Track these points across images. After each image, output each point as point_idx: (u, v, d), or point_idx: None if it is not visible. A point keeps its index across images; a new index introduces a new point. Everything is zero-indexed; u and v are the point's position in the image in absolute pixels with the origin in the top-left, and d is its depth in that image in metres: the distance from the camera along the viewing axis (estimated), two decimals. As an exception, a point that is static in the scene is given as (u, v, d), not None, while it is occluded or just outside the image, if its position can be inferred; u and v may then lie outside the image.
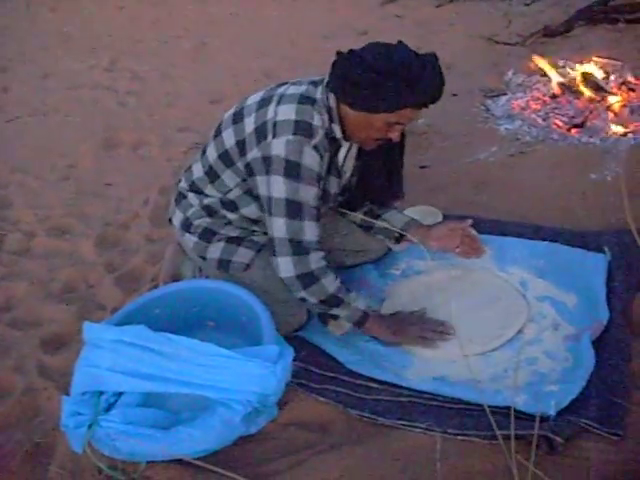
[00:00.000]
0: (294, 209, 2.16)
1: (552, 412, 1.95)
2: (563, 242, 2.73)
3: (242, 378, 1.93)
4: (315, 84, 2.25)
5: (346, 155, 2.36)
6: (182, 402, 2.12)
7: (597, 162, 3.41)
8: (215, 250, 2.43)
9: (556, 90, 4.14)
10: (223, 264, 2.43)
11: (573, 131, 3.78)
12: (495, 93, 4.40)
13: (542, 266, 2.62)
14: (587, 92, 4.02)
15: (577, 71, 4.22)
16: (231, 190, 2.35)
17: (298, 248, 2.19)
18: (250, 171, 2.24)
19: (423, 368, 2.27)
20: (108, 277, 2.98)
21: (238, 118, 2.29)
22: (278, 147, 2.13)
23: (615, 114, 3.84)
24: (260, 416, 2.04)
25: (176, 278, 2.63)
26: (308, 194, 2.17)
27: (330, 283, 2.24)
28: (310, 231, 2.20)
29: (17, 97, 5.42)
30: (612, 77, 4.14)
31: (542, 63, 4.35)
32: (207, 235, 2.44)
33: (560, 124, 3.87)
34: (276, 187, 2.15)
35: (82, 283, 2.99)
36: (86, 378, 1.98)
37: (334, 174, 2.34)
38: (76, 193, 3.79)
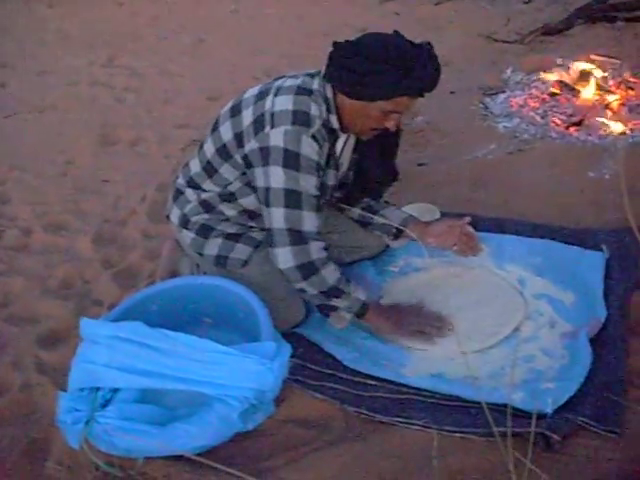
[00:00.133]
0: (293, 199, 2.16)
1: (549, 410, 1.94)
2: (561, 240, 2.73)
3: (239, 374, 1.92)
4: (312, 76, 2.26)
5: (343, 147, 2.36)
6: (179, 398, 2.12)
7: (595, 160, 3.41)
8: (213, 246, 2.43)
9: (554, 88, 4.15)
10: (221, 260, 2.43)
11: (571, 129, 3.78)
12: (494, 91, 4.40)
13: (540, 264, 2.62)
14: (585, 90, 4.02)
15: (576, 69, 4.22)
16: (231, 183, 2.35)
17: (297, 238, 2.19)
18: (248, 163, 2.24)
19: (421, 365, 2.27)
20: (105, 273, 2.98)
21: (236, 112, 2.29)
22: (276, 137, 2.13)
23: (613, 112, 3.84)
24: (257, 413, 2.03)
25: (173, 274, 2.63)
26: (308, 183, 2.17)
27: (330, 274, 2.24)
28: (309, 221, 2.20)
29: (15, 93, 5.41)
30: (611, 75, 4.14)
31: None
32: (204, 231, 2.44)
33: (558, 122, 3.87)
34: (275, 177, 2.15)
35: (79, 279, 2.99)
36: (83, 374, 1.97)
37: (332, 166, 2.34)
38: (74, 189, 3.79)
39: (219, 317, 2.36)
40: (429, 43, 2.16)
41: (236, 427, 1.97)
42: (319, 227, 2.25)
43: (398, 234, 2.67)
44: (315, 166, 2.18)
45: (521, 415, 1.91)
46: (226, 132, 2.30)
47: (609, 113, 3.83)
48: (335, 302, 2.28)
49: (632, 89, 4.02)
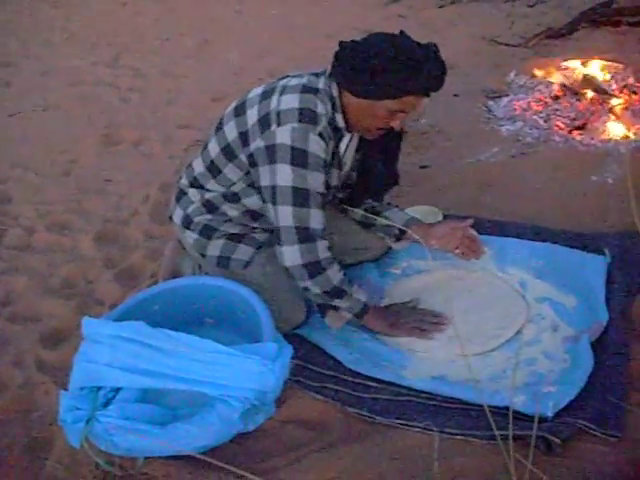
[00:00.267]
0: (301, 196, 2.16)
1: (550, 413, 1.95)
2: (563, 243, 2.73)
3: (240, 375, 1.92)
4: (317, 75, 2.27)
5: (347, 146, 2.36)
6: (180, 398, 2.12)
7: (598, 164, 3.41)
8: (215, 247, 2.44)
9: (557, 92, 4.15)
10: (223, 261, 2.43)
11: (574, 133, 3.78)
12: (497, 94, 4.40)
13: (542, 267, 2.62)
14: (589, 94, 4.02)
15: (579, 73, 4.22)
16: (234, 184, 2.35)
17: (305, 236, 2.19)
18: (253, 162, 2.24)
19: (422, 367, 2.27)
20: (107, 273, 2.98)
21: (240, 111, 2.29)
22: (283, 135, 2.13)
23: (617, 116, 3.84)
24: (258, 413, 2.04)
25: (175, 275, 2.63)
26: (315, 181, 2.18)
27: (335, 274, 2.25)
28: (316, 219, 2.21)
29: (19, 93, 5.41)
30: (614, 79, 4.14)
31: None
32: (207, 232, 2.44)
33: (561, 126, 3.87)
34: (282, 175, 2.15)
35: (81, 279, 2.99)
36: (84, 373, 1.97)
37: (335, 165, 2.35)
38: (77, 189, 3.79)
39: (221, 318, 2.36)
40: (435, 44, 2.16)
41: (237, 428, 1.97)
42: (324, 224, 2.25)
43: (400, 236, 2.67)
44: (322, 163, 2.19)
45: (522, 418, 1.92)
46: (230, 132, 2.30)
47: (612, 117, 3.83)
48: (337, 302, 2.29)
49: (635, 93, 4.02)
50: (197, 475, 1.92)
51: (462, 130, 4.00)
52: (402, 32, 2.19)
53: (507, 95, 4.36)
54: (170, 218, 2.56)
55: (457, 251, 2.64)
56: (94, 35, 6.66)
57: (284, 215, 2.18)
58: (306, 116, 2.15)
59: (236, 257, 2.43)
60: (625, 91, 4.05)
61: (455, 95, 4.38)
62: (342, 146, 2.34)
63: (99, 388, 2.00)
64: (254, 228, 2.46)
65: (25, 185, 3.87)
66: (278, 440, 2.06)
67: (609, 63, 4.30)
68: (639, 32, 5.10)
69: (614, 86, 4.08)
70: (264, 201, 2.26)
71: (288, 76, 2.32)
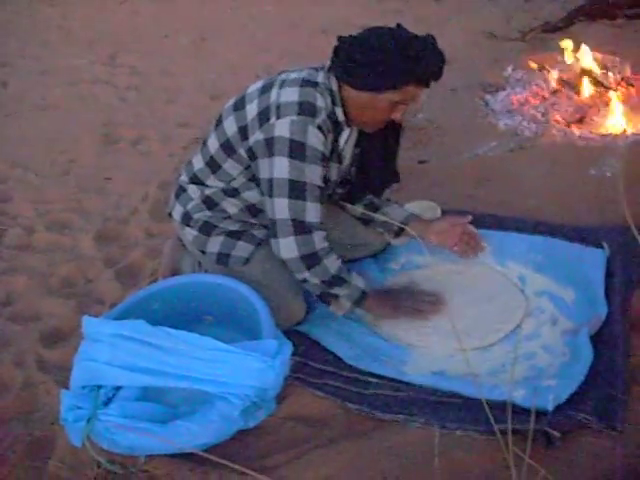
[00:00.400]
0: (297, 189, 2.17)
1: (550, 407, 1.95)
2: (562, 237, 2.73)
3: (241, 372, 1.93)
4: (316, 70, 2.28)
5: (346, 141, 2.37)
6: (181, 396, 2.13)
7: (596, 158, 3.41)
8: (215, 244, 2.44)
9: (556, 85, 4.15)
10: (222, 258, 2.44)
11: (572, 126, 3.78)
12: (494, 88, 4.41)
13: (541, 261, 2.63)
14: (586, 88, 4.02)
15: (576, 67, 4.22)
16: (234, 179, 2.36)
17: (301, 228, 2.20)
18: (252, 155, 2.25)
19: (422, 362, 2.27)
20: (107, 272, 2.99)
21: (240, 106, 2.30)
22: (282, 128, 2.14)
23: (614, 109, 3.83)
24: (259, 410, 2.04)
25: (175, 273, 2.64)
26: (313, 174, 2.18)
27: (332, 263, 2.27)
28: (313, 212, 2.21)
29: (17, 92, 5.42)
30: (611, 73, 4.14)
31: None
32: (207, 229, 2.44)
33: (559, 119, 3.87)
34: (279, 168, 2.16)
35: (81, 278, 3.00)
36: (85, 372, 1.98)
37: (335, 160, 2.35)
38: (76, 188, 3.80)
39: (221, 315, 2.36)
40: (431, 36, 2.17)
41: (237, 425, 1.98)
42: (321, 217, 2.26)
43: (400, 232, 2.68)
44: (320, 156, 2.19)
45: (522, 412, 1.91)
46: (230, 126, 2.30)
47: (610, 110, 3.83)
48: (336, 290, 2.31)
49: (633, 86, 4.02)
50: (198, 472, 1.92)
51: (460, 125, 4.01)
52: (399, 25, 2.20)
53: (505, 89, 4.37)
54: (169, 215, 2.56)
55: (456, 248, 2.64)
56: (91, 34, 6.67)
57: (280, 207, 2.19)
58: (305, 109, 2.16)
59: (236, 254, 2.43)
60: (622, 84, 4.05)
61: (452, 90, 4.38)
62: (341, 140, 2.35)
63: (100, 387, 2.00)
64: (253, 225, 2.47)
65: (25, 185, 3.88)
66: (279, 437, 2.06)
67: (606, 56, 4.30)
68: (636, 25, 5.11)
69: (611, 79, 4.08)
70: (263, 193, 2.27)
71: (287, 71, 2.33)
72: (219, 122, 2.37)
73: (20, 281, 2.97)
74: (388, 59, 2.09)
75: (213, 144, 2.37)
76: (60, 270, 3.03)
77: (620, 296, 2.41)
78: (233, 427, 1.98)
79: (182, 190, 2.49)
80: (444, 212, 2.90)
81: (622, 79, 4.08)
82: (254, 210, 2.42)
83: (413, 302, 2.44)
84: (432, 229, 2.63)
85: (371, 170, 2.48)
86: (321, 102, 2.19)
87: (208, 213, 2.44)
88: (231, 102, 2.37)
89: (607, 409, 1.95)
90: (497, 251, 2.71)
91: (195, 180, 2.45)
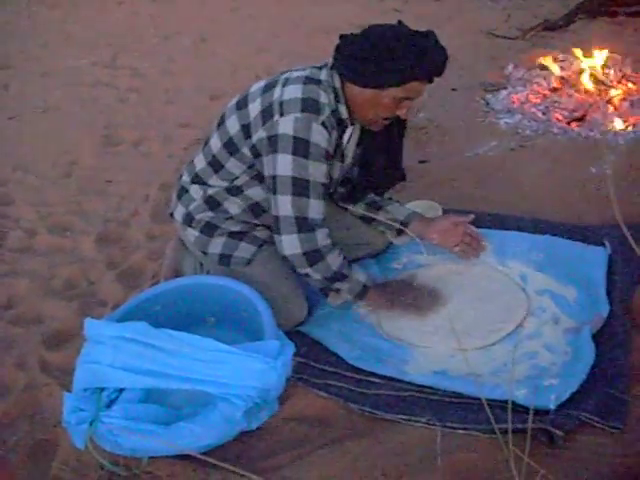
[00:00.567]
0: (301, 186, 2.18)
1: (552, 406, 1.95)
2: (563, 236, 2.74)
3: (243, 373, 1.93)
4: (319, 68, 2.29)
5: (349, 139, 2.37)
6: (183, 398, 2.13)
7: (597, 155, 3.41)
8: (217, 245, 2.44)
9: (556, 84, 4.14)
10: (224, 259, 2.44)
11: (573, 125, 3.78)
12: (495, 87, 4.41)
13: (542, 260, 2.62)
14: (587, 86, 4.02)
15: (577, 65, 4.22)
16: (237, 177, 2.36)
17: (304, 225, 2.21)
18: (256, 152, 2.25)
19: (423, 362, 2.27)
20: (109, 274, 2.99)
21: (242, 105, 2.30)
22: (286, 125, 2.15)
23: (615, 107, 3.84)
24: (261, 411, 2.05)
25: (177, 274, 2.63)
26: (317, 171, 2.19)
27: (334, 260, 2.28)
28: (316, 209, 2.22)
29: (18, 95, 5.42)
30: (612, 70, 4.13)
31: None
32: (209, 229, 2.45)
33: (560, 118, 3.87)
34: (283, 165, 2.16)
35: (83, 280, 3.00)
36: (87, 374, 1.98)
37: (337, 158, 2.35)
38: (77, 190, 3.80)
39: (222, 316, 2.37)
40: (432, 32, 2.19)
41: (240, 426, 1.98)
42: (324, 214, 2.27)
43: (401, 231, 2.68)
44: (324, 154, 2.20)
45: (524, 411, 1.92)
46: (233, 125, 2.31)
47: (611, 108, 3.83)
48: (337, 285, 2.33)
49: (634, 83, 4.02)
50: (201, 473, 1.92)
51: (460, 124, 4.01)
52: (400, 22, 2.20)
53: (505, 88, 4.37)
54: (171, 215, 2.57)
55: (457, 249, 2.64)
56: (92, 36, 6.68)
57: (283, 204, 2.20)
58: (309, 106, 2.16)
59: (238, 255, 2.43)
60: (623, 82, 4.05)
61: (453, 89, 4.38)
62: (345, 138, 2.35)
63: (102, 389, 2.00)
64: (256, 226, 2.47)
65: (26, 187, 3.88)
66: (281, 437, 2.06)
67: (607, 54, 4.29)
68: (636, 22, 5.11)
69: (612, 77, 4.08)
70: (268, 189, 2.28)
71: (289, 70, 2.33)
72: (221, 121, 2.37)
73: (22, 284, 2.97)
74: (392, 55, 2.10)
75: (215, 143, 2.37)
76: (62, 272, 3.03)
77: (622, 294, 2.41)
78: (236, 428, 1.98)
79: (184, 191, 2.50)
80: (445, 211, 2.91)
81: (622, 77, 4.07)
82: (257, 210, 2.43)
83: (414, 297, 2.46)
84: (434, 227, 2.63)
85: (374, 169, 2.49)
86: (324, 99, 2.20)
87: (210, 214, 2.44)
88: (233, 101, 2.38)
89: (609, 408, 1.95)
90: (498, 250, 2.70)
91: (197, 180, 2.45)
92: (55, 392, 2.29)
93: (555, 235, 2.74)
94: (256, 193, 2.39)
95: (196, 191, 2.45)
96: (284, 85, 2.23)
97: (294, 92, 2.19)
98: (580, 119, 3.80)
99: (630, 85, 4.01)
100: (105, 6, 7.57)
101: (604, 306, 2.33)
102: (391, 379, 2.19)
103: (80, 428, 1.90)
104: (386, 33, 2.13)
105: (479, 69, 4.74)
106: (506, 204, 3.09)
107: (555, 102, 4.04)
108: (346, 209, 2.68)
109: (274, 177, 2.19)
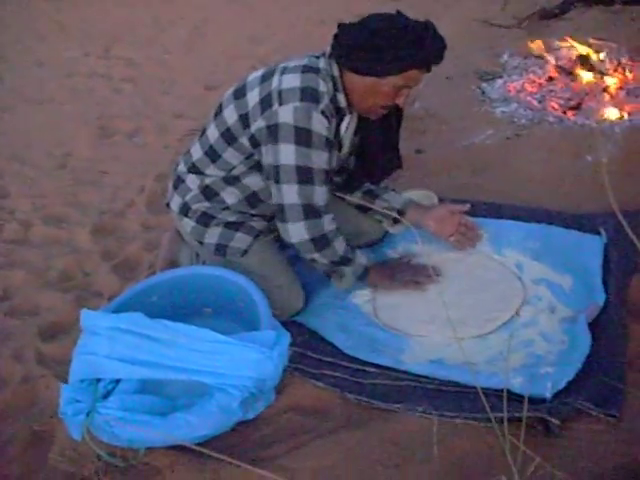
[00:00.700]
0: (305, 175, 2.18)
1: (548, 394, 1.95)
2: (559, 224, 2.73)
3: (239, 363, 1.93)
4: (317, 57, 2.28)
5: (347, 128, 2.37)
6: (179, 388, 2.13)
7: (593, 144, 3.41)
8: (213, 235, 2.44)
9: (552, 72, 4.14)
10: (220, 249, 2.44)
11: (569, 113, 3.77)
12: (491, 76, 4.39)
13: (538, 248, 2.62)
14: (583, 74, 4.02)
15: (573, 53, 4.21)
16: (235, 167, 2.36)
17: (311, 212, 2.23)
18: (255, 142, 2.25)
19: (420, 351, 2.28)
20: (105, 265, 2.99)
21: (240, 94, 2.30)
22: (286, 114, 2.14)
23: (611, 96, 3.83)
24: (258, 401, 2.05)
25: (173, 265, 2.63)
26: (319, 159, 2.20)
27: (340, 245, 2.32)
28: (321, 195, 2.24)
29: (13, 86, 5.41)
30: (608, 59, 4.12)
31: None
32: (205, 219, 2.44)
33: (556, 106, 3.86)
34: (286, 154, 2.16)
35: (79, 271, 3.00)
36: (84, 365, 1.98)
37: (335, 146, 2.35)
38: (72, 181, 3.80)
39: (219, 307, 2.37)
40: (430, 21, 2.18)
41: (237, 416, 1.98)
42: (328, 200, 2.29)
43: (398, 220, 2.68)
44: (325, 142, 2.20)
45: (520, 400, 1.91)
46: (230, 115, 2.30)
47: (607, 97, 3.82)
48: (342, 268, 2.38)
49: (630, 72, 4.01)
50: (198, 464, 1.92)
51: (456, 113, 4.00)
52: (398, 12, 2.20)
53: (501, 77, 4.35)
54: (167, 205, 2.56)
55: (452, 239, 2.64)
56: (86, 26, 6.66)
57: (289, 193, 2.20)
58: (308, 94, 2.16)
59: (234, 245, 2.43)
60: (619, 70, 4.03)
61: (448, 78, 4.37)
62: (343, 126, 2.35)
63: (99, 380, 2.00)
64: (252, 216, 2.47)
65: (21, 179, 3.88)
66: (278, 428, 2.07)
67: (603, 42, 4.28)
68: (632, 10, 5.08)
69: (608, 65, 4.07)
70: (267, 178, 2.27)
71: (288, 59, 2.33)
72: (219, 111, 2.36)
73: (18, 275, 2.97)
74: (391, 43, 2.10)
75: (213, 133, 2.37)
76: (57, 264, 3.03)
77: (618, 283, 2.41)
78: (232, 418, 1.99)
79: (180, 180, 2.49)
80: (441, 200, 2.90)
81: (618, 65, 4.06)
82: (254, 200, 2.42)
83: (412, 275, 2.52)
84: (430, 215, 2.63)
85: (371, 158, 2.49)
86: (323, 87, 2.19)
87: (207, 204, 2.44)
88: (231, 91, 2.37)
89: (604, 396, 1.96)
90: (494, 239, 2.70)
91: (194, 170, 2.44)
92: (51, 383, 2.29)
93: (551, 224, 2.74)
94: (254, 182, 2.38)
95: (193, 181, 2.44)
96: (282, 74, 2.22)
97: (293, 81, 2.18)
98: (576, 108, 3.79)
99: (626, 73, 4.00)
100: (100, -3, 7.55)
101: (600, 295, 2.33)
102: (387, 368, 2.19)
103: (77, 419, 1.90)
104: (385, 22, 2.13)
105: (475, 58, 4.72)
106: (502, 193, 3.09)
107: (551, 91, 4.03)
108: (343, 198, 2.68)
109: (277, 167, 2.19)
